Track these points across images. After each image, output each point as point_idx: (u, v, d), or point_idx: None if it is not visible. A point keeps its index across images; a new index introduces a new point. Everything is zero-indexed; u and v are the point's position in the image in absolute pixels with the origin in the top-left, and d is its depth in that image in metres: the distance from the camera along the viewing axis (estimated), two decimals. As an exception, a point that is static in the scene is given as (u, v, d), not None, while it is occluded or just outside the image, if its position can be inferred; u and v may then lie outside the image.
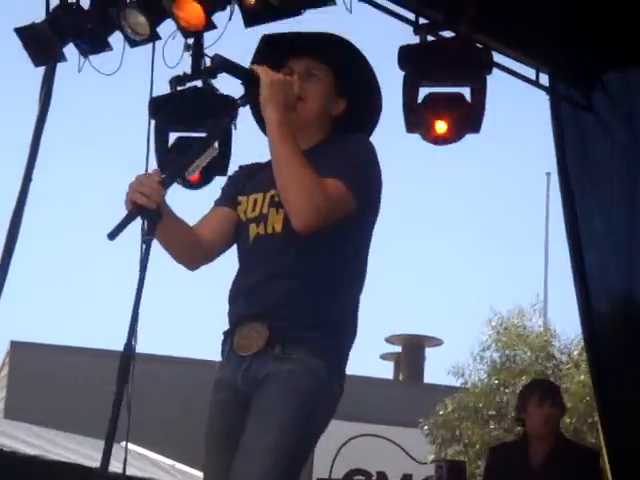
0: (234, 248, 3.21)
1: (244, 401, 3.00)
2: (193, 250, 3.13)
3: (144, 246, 2.84)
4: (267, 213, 3.07)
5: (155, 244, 2.92)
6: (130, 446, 6.16)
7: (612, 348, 7.22)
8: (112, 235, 2.83)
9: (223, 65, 3.01)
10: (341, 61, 3.15)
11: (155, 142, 6.50)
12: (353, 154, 3.04)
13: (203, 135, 6.26)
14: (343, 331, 3.06)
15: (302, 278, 3.00)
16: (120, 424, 2.72)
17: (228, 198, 3.21)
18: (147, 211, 2.86)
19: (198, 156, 2.98)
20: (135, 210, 2.87)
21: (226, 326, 3.11)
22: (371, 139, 3.19)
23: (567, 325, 18.26)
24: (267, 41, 3.24)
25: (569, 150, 7.36)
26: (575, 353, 15.07)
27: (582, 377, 13.83)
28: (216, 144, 3.04)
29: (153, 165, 6.46)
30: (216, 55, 3.01)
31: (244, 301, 3.05)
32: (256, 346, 2.99)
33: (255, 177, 3.17)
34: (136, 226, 2.92)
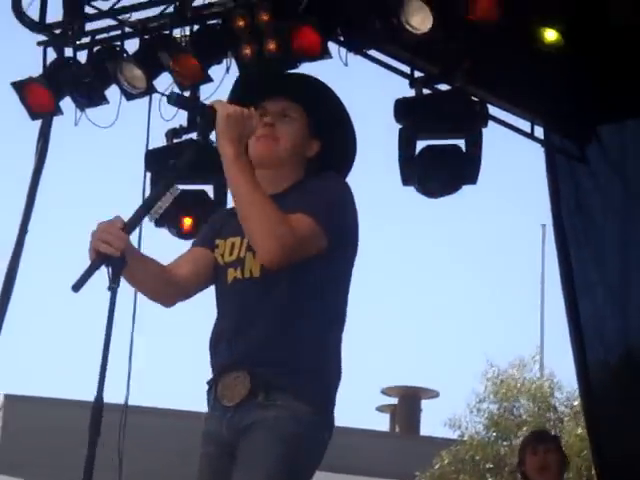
0: (211, 292, 3.19)
1: (230, 452, 2.97)
2: (166, 288, 3.10)
3: (110, 294, 2.82)
4: (244, 257, 3.04)
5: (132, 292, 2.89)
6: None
7: (607, 399, 7.19)
8: (76, 287, 2.82)
9: (178, 102, 3.05)
10: (313, 101, 3.14)
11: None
12: (325, 192, 3.02)
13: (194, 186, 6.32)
14: (327, 373, 3.02)
15: (283, 323, 2.97)
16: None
17: (206, 240, 3.18)
18: (111, 259, 2.84)
19: (160, 198, 2.97)
20: (99, 259, 2.84)
21: (209, 375, 3.09)
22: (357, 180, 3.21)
23: (569, 376, 18.20)
24: (242, 81, 3.25)
25: (564, 201, 7.39)
26: (576, 404, 15.02)
27: (579, 430, 13.76)
28: (177, 185, 3.03)
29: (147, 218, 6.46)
30: (172, 92, 3.04)
31: (225, 348, 3.02)
32: (239, 396, 2.95)
33: (233, 221, 3.11)
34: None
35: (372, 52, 6.55)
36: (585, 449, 13.03)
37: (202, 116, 3.00)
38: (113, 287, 2.82)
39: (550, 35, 5.42)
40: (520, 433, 14.14)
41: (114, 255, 2.83)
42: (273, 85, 3.18)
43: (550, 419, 15.46)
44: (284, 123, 3.10)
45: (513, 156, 24.38)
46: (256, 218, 2.90)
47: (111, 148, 26.07)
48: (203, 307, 3.23)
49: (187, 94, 6.46)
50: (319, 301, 3.00)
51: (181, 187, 6.75)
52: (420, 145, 6.28)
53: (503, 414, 15.63)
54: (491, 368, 15.66)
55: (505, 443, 15.38)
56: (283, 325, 2.96)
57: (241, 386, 2.95)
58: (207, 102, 3.04)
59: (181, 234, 6.49)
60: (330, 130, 3.16)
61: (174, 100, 3.04)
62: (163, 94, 6.36)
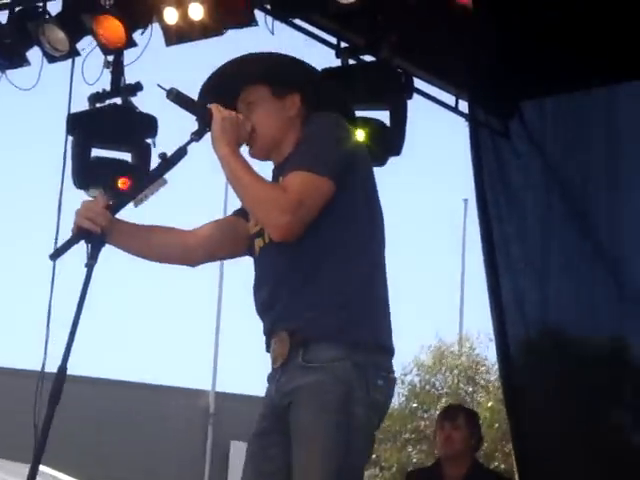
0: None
1: (279, 415, 3.01)
2: (183, 250, 3.20)
3: (86, 271, 2.90)
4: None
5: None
6: (44, 469, 6.06)
7: (525, 370, 7.29)
8: (54, 256, 2.94)
9: (178, 99, 3.03)
10: (260, 69, 3.15)
11: (72, 158, 6.42)
12: (307, 140, 3.04)
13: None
14: (363, 304, 3.00)
15: (306, 274, 2.99)
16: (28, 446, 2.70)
17: (241, 211, 3.26)
18: (91, 235, 2.93)
19: (147, 186, 3.05)
20: (79, 233, 2.94)
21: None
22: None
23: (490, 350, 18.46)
24: (205, 92, 3.23)
25: (487, 177, 7.45)
26: (493, 379, 15.24)
27: (490, 404, 13.96)
28: (166, 176, 3.10)
29: (69, 181, 6.40)
30: (172, 88, 3.02)
31: (267, 315, 3.08)
32: (281, 357, 3.01)
33: None
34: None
35: (299, 22, 6.53)
36: (496, 422, 13.23)
37: (199, 118, 3.05)
38: (90, 264, 2.92)
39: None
40: (439, 405, 14.31)
41: (95, 231, 2.94)
42: (223, 87, 3.19)
43: (468, 392, 15.66)
44: (251, 113, 3.13)
45: (437, 130, 24.50)
46: (259, 206, 3.00)
47: (32, 111, 25.69)
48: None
49: (110, 58, 6.39)
50: (338, 236, 3.01)
51: (100, 152, 6.71)
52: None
53: (424, 387, 15.79)
54: (435, 340, 15.84)
55: (425, 415, 15.55)
56: (307, 276, 3.00)
57: (282, 346, 3.00)
58: (201, 103, 3.07)
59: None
60: (292, 75, 3.16)
61: (174, 96, 3.01)
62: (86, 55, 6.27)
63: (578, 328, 7.11)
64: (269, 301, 3.07)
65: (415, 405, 15.81)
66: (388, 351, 3.04)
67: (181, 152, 3.07)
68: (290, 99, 3.16)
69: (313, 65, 3.26)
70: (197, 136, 3.07)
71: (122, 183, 6.04)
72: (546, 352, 7.22)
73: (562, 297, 7.17)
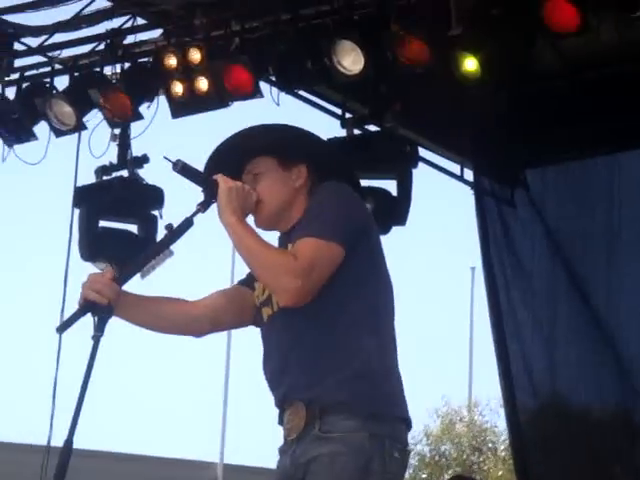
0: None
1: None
2: (188, 321, 3.19)
3: (92, 343, 2.89)
4: (271, 294, 3.10)
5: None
6: None
7: (535, 439, 7.24)
8: (61, 329, 2.92)
9: (184, 171, 3.04)
10: (270, 142, 3.17)
11: (79, 231, 6.45)
12: (317, 206, 3.05)
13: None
14: (378, 374, 2.98)
15: (317, 344, 2.98)
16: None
17: (248, 281, 3.23)
18: (98, 307, 2.92)
19: (153, 257, 3.04)
20: (86, 305, 2.93)
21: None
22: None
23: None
24: (211, 164, 3.24)
25: (493, 244, 7.46)
26: (501, 447, 15.12)
27: (500, 473, 13.86)
28: (172, 247, 3.10)
29: (75, 254, 6.42)
30: (178, 160, 3.04)
31: (279, 386, 3.06)
32: (297, 428, 2.97)
33: None
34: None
35: (303, 92, 6.59)
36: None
37: (206, 188, 3.06)
38: (97, 336, 2.91)
39: (470, 64, 5.43)
40: (447, 474, 14.20)
41: (102, 303, 2.93)
42: (230, 159, 3.20)
43: (475, 462, 15.55)
44: (257, 184, 3.14)
45: (442, 198, 24.58)
46: (268, 274, 3.00)
47: (39, 185, 25.82)
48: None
49: (117, 131, 6.45)
50: (348, 303, 3.00)
51: (107, 224, 6.72)
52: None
53: (434, 457, 15.68)
54: (443, 407, 15.73)
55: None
56: (319, 345, 2.98)
57: (298, 418, 2.97)
58: (214, 177, 3.08)
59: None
60: (299, 147, 3.18)
61: (180, 168, 3.03)
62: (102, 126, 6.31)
63: (586, 394, 7.09)
64: (280, 370, 3.04)
65: (425, 476, 15.67)
66: (404, 422, 3.01)
67: (187, 223, 3.06)
68: (297, 170, 3.17)
69: (319, 135, 3.28)
70: (203, 207, 3.07)
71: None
72: (555, 420, 7.18)
73: (570, 363, 7.15)
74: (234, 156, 3.19)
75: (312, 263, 2.95)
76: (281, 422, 3.06)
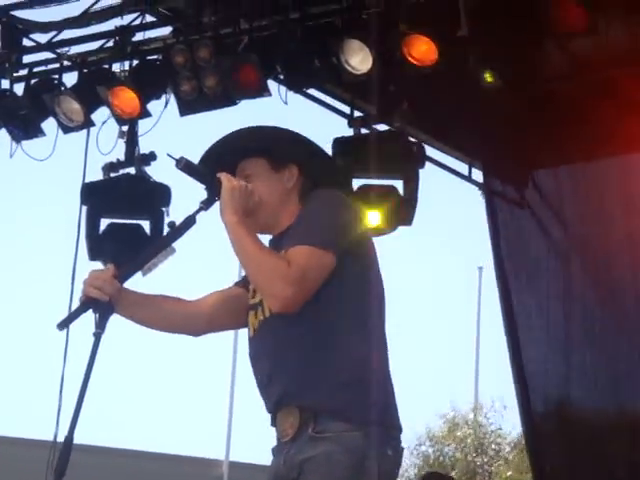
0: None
1: None
2: (185, 321, 3.20)
3: (93, 339, 2.89)
4: (262, 299, 3.11)
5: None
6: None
7: (550, 442, 7.21)
8: (61, 325, 2.90)
9: (187, 169, 3.04)
10: (262, 144, 3.18)
11: (86, 228, 6.46)
12: (310, 213, 3.06)
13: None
14: (367, 384, 2.98)
15: (310, 349, 2.99)
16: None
17: (245, 281, 3.25)
18: (99, 304, 2.92)
19: (155, 255, 3.02)
20: (87, 302, 2.93)
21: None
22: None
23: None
24: (205, 161, 3.24)
25: (505, 245, 7.43)
26: (507, 449, 15.11)
27: (509, 473, 13.86)
28: (174, 245, 3.09)
29: (83, 251, 6.42)
30: (181, 157, 3.03)
31: (270, 390, 3.06)
32: (291, 431, 2.98)
33: None
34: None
35: (311, 91, 6.59)
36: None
37: (208, 186, 3.06)
38: (98, 332, 2.91)
39: (490, 77, 5.46)
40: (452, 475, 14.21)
41: (102, 299, 2.94)
42: (222, 159, 3.20)
43: (479, 463, 15.56)
44: (250, 184, 3.14)
45: (449, 197, 24.54)
46: (261, 277, 3.00)
47: (47, 181, 25.87)
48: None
49: (125, 128, 6.45)
50: (340, 310, 3.01)
51: (117, 221, 6.72)
52: (357, 183, 6.31)
53: (438, 457, 15.71)
54: (450, 412, 15.75)
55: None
56: (311, 351, 2.99)
57: (292, 420, 2.98)
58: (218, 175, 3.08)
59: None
60: (290, 149, 3.19)
61: (183, 165, 3.02)
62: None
63: (601, 399, 7.05)
64: (272, 375, 3.05)
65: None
66: (396, 428, 3.04)
67: (190, 221, 3.06)
68: (288, 171, 3.18)
69: (320, 134, 3.28)
70: (206, 205, 3.08)
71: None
72: (569, 424, 7.15)
73: (585, 368, 7.10)
74: (227, 155, 3.20)
75: (305, 272, 2.95)
76: (274, 424, 3.07)
